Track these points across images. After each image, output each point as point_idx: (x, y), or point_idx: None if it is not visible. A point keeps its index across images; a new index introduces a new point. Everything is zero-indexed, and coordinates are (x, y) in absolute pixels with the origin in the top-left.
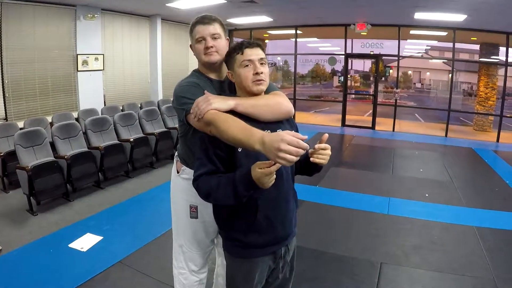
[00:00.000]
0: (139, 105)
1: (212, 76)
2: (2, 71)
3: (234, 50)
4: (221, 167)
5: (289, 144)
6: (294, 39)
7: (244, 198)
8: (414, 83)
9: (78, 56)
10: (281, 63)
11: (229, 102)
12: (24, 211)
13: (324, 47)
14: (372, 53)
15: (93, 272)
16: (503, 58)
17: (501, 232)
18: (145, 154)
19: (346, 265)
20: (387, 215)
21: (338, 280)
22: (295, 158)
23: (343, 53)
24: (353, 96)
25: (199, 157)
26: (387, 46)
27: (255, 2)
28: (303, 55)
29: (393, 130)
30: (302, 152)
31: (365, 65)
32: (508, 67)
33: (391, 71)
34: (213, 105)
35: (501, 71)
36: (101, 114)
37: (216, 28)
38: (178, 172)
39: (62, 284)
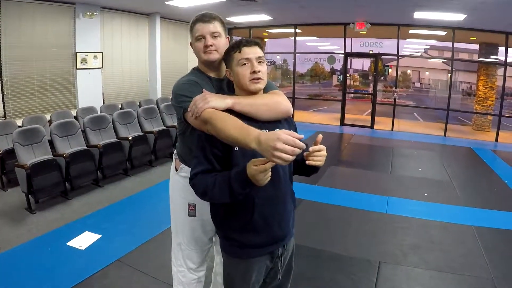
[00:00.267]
0: (138, 103)
1: (212, 74)
2: (0, 69)
3: (232, 48)
4: (217, 166)
5: (285, 143)
6: (293, 38)
7: (240, 196)
8: (413, 83)
9: (77, 54)
10: (280, 62)
11: (227, 101)
12: (22, 209)
13: (323, 46)
14: (371, 52)
15: (92, 270)
16: (502, 58)
17: (499, 232)
18: (143, 153)
19: (344, 264)
20: (385, 214)
21: (336, 279)
22: (291, 157)
23: (342, 52)
24: (352, 95)
25: (196, 155)
26: (386, 45)
27: (254, 1)
28: (302, 54)
29: (392, 129)
30: (298, 151)
31: (364, 64)
32: (507, 67)
33: (390, 70)
34: (211, 103)
35: (500, 71)
36: (100, 112)
37: (216, 27)
38: (176, 170)
39: (60, 282)
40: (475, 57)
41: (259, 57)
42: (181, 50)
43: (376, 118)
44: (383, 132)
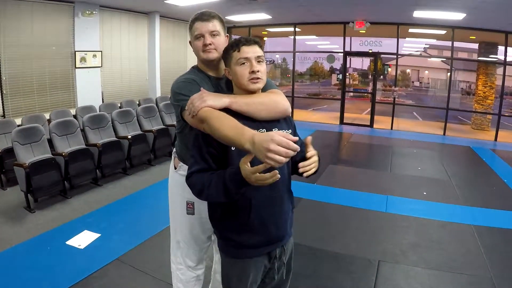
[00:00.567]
0: (137, 102)
1: (211, 73)
2: None
3: (231, 47)
4: (213, 165)
5: (278, 144)
6: (292, 37)
7: (235, 195)
8: (413, 82)
9: (76, 53)
10: (280, 61)
11: (224, 100)
12: (21, 208)
13: (322, 45)
14: (370, 51)
15: (91, 269)
16: (502, 57)
17: (498, 231)
18: (143, 151)
19: (343, 262)
20: (385, 213)
21: (335, 278)
22: (284, 159)
23: (342, 51)
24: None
25: (192, 154)
26: (385, 44)
27: (254, 0)
28: (302, 53)
29: (391, 128)
30: (292, 153)
31: (364, 63)
32: (507, 66)
33: (389, 69)
34: (208, 102)
35: (500, 70)
36: (99, 111)
37: (215, 25)
38: (175, 169)
39: (59, 281)
40: (475, 56)
41: (259, 57)
42: (180, 49)
43: (376, 117)
44: (383, 131)
